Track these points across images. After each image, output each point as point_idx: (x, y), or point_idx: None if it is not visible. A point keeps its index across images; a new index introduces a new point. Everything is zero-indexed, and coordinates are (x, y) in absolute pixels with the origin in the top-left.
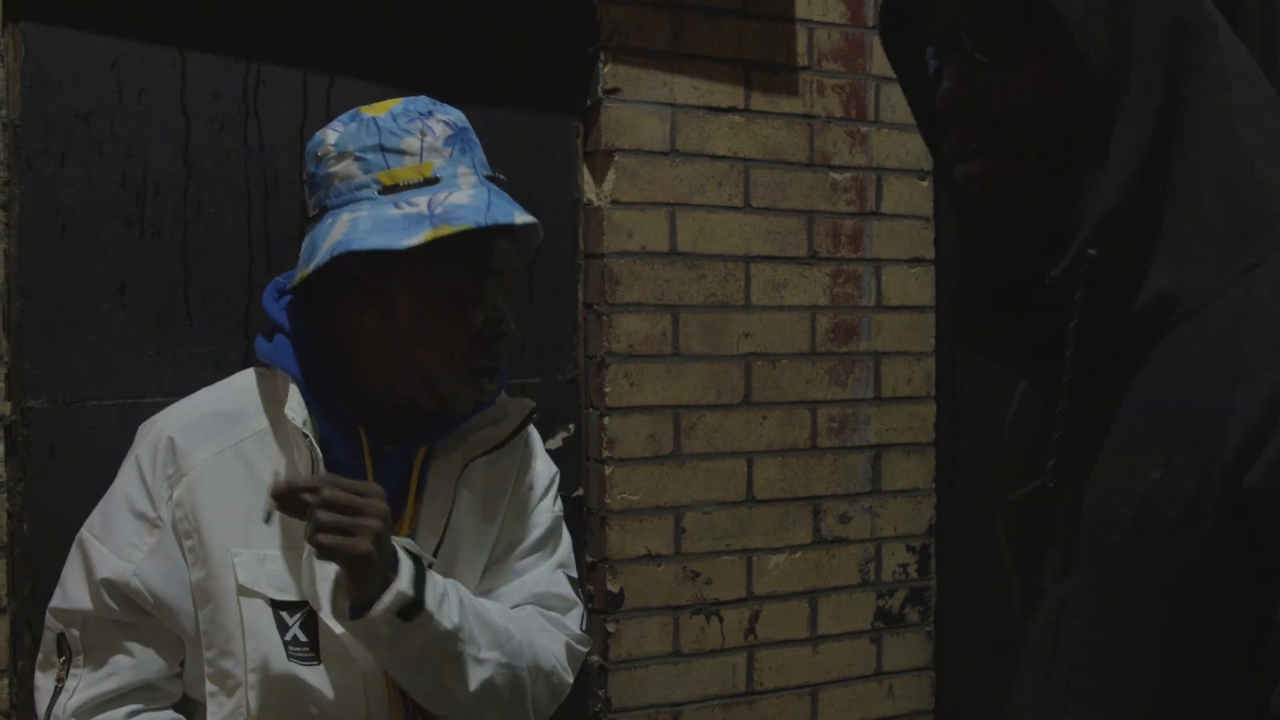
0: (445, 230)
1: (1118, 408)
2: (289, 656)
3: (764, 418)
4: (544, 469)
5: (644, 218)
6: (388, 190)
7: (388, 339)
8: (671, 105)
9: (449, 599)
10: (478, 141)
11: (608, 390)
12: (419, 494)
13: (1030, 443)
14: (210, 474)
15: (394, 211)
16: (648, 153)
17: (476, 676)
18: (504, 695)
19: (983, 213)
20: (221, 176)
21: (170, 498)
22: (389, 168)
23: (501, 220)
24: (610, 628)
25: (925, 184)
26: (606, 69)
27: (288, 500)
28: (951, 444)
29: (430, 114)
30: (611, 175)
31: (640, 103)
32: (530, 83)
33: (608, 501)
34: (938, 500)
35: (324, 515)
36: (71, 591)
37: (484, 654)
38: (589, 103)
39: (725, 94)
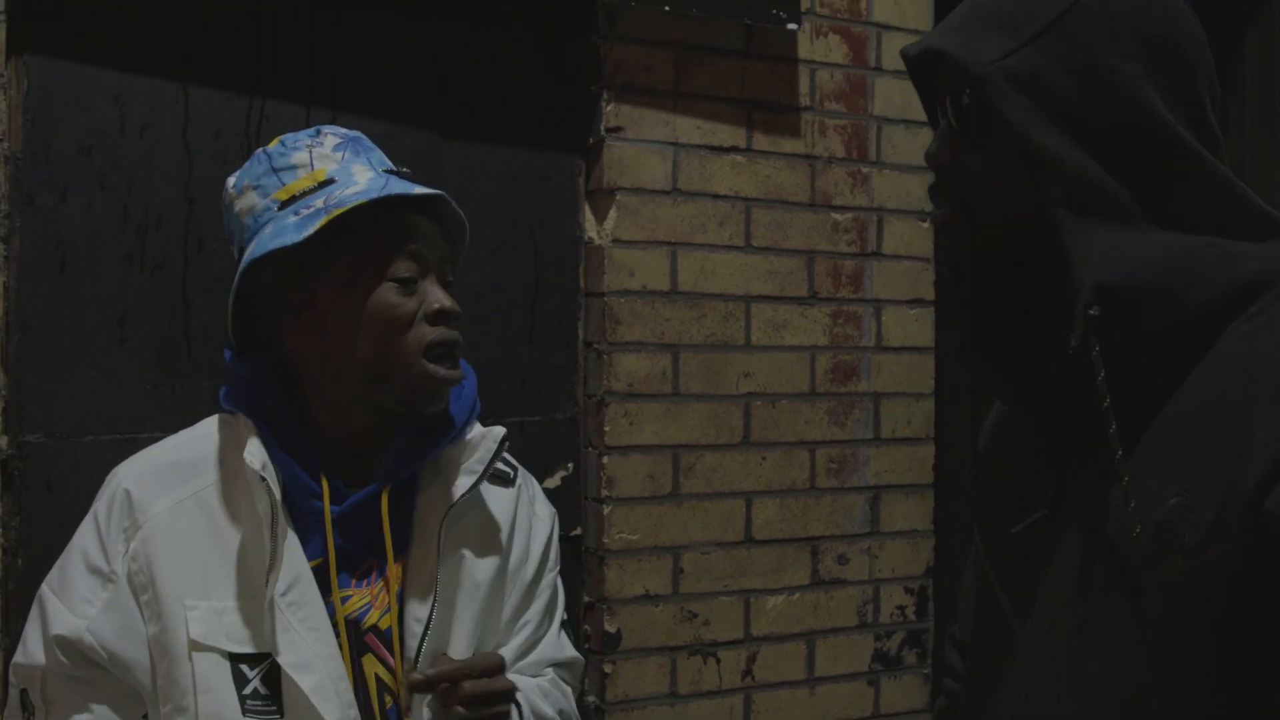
0: (339, 212)
1: (1124, 440)
2: (245, 711)
3: (763, 458)
4: (544, 515)
5: (645, 257)
6: (286, 204)
7: (332, 350)
8: (674, 144)
9: None
10: (375, 146)
11: (607, 429)
12: (403, 544)
13: (1019, 472)
14: (167, 526)
15: (293, 219)
16: (649, 192)
17: None
18: None
19: (949, 263)
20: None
21: (126, 552)
22: (284, 184)
23: (397, 192)
24: (607, 668)
25: (926, 225)
26: (609, 108)
27: (426, 689)
28: (950, 485)
29: (319, 132)
30: (613, 214)
31: (643, 141)
32: (533, 121)
33: (606, 541)
34: (936, 542)
35: (464, 712)
36: (31, 648)
37: None
38: (591, 141)
39: (727, 134)
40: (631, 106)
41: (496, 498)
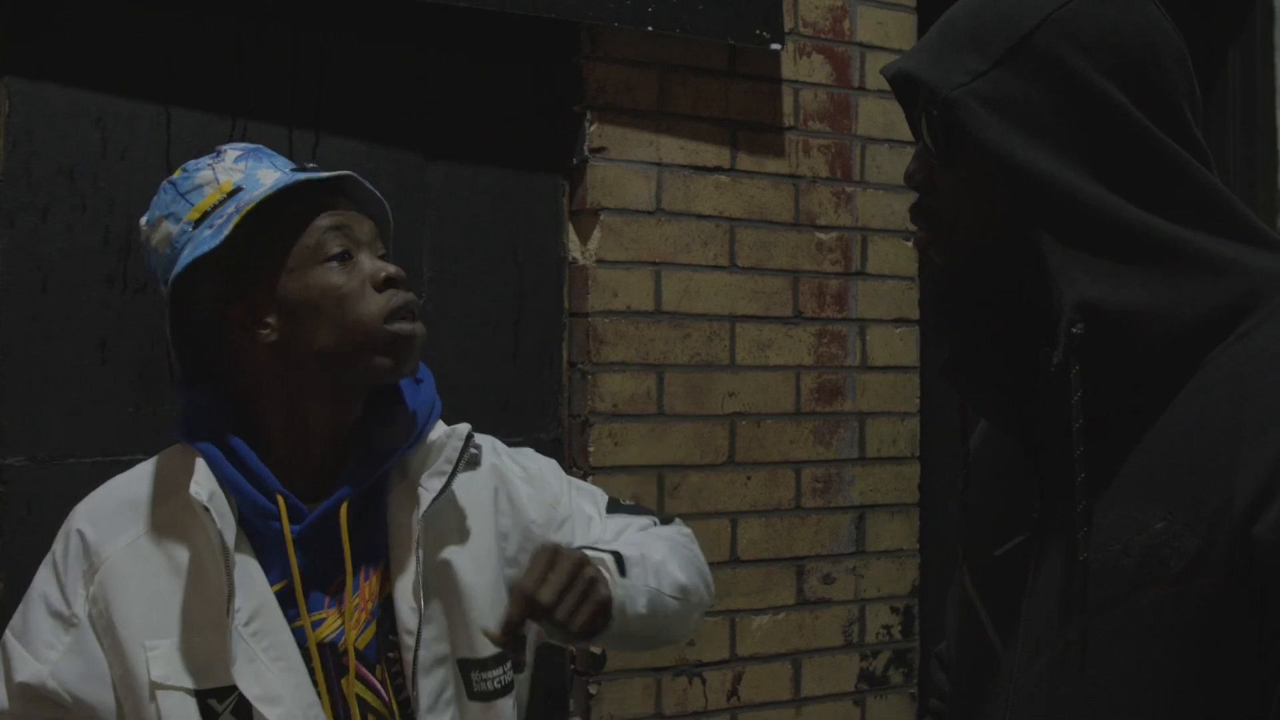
0: (249, 208)
1: (1109, 463)
2: None
3: (748, 478)
4: (532, 467)
5: (629, 277)
6: (199, 222)
7: (290, 353)
8: (658, 164)
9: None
10: (276, 153)
11: (592, 450)
12: (379, 557)
13: (1003, 493)
14: (123, 565)
15: (208, 232)
16: (633, 212)
17: (685, 570)
18: (703, 571)
19: (933, 281)
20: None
21: (86, 594)
22: (193, 205)
23: (303, 178)
24: (593, 689)
25: (910, 244)
26: (593, 128)
27: (517, 635)
28: (935, 505)
29: (219, 152)
30: (597, 234)
31: (626, 162)
32: (516, 141)
33: None
34: (922, 561)
35: (561, 612)
36: None
37: (658, 551)
38: (575, 162)
39: (711, 154)
40: (615, 127)
41: (469, 484)
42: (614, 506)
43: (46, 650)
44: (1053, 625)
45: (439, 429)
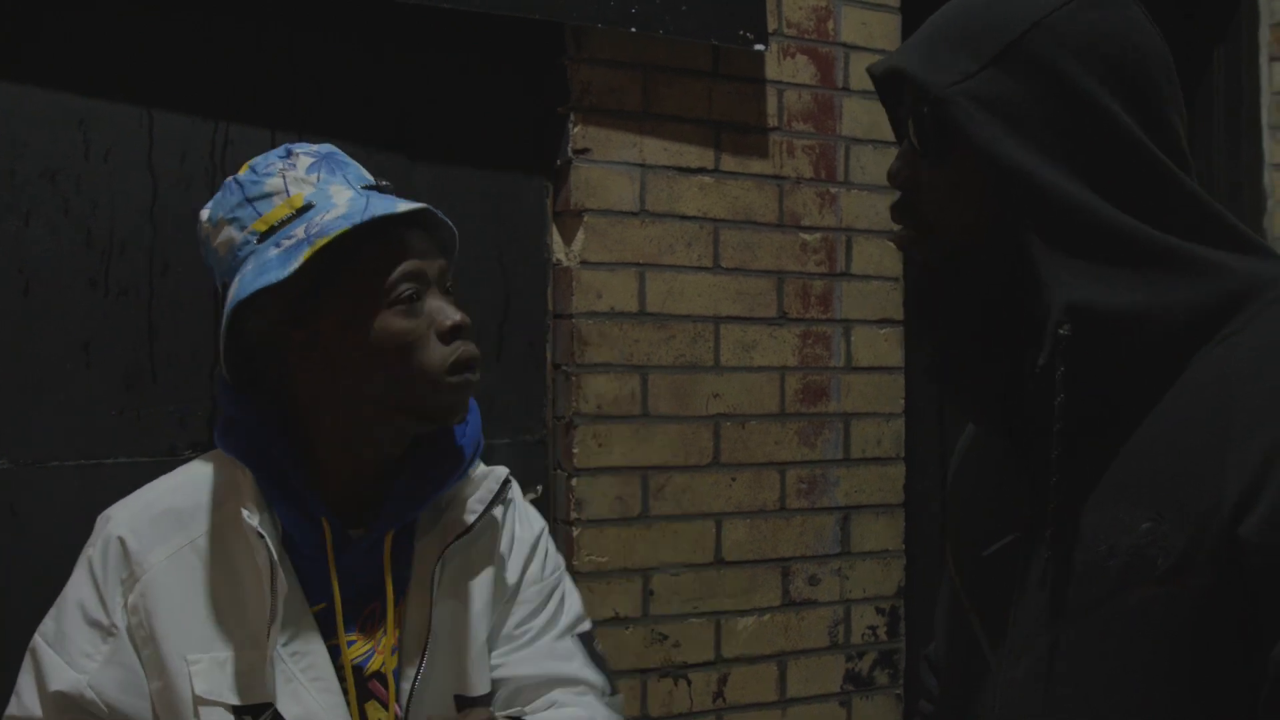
0: (321, 243)
1: (1096, 464)
2: None
3: (733, 479)
4: (525, 535)
5: (613, 278)
6: (265, 236)
7: (343, 387)
8: (641, 165)
9: None
10: (351, 161)
11: (576, 451)
12: (403, 586)
13: (992, 494)
14: (165, 576)
15: (275, 251)
16: (617, 213)
17: None
18: None
19: (916, 281)
20: (188, 236)
21: (125, 604)
22: (260, 214)
23: (380, 213)
24: None
25: (894, 245)
26: (576, 129)
27: None
28: (921, 505)
29: (289, 153)
30: (581, 235)
31: (610, 163)
32: (500, 142)
33: (575, 563)
34: (907, 562)
35: None
36: (26, 700)
37: None
38: (559, 163)
39: (695, 155)
40: (599, 128)
41: (489, 524)
42: (584, 639)
43: (83, 659)
44: (1041, 625)
45: (479, 467)
